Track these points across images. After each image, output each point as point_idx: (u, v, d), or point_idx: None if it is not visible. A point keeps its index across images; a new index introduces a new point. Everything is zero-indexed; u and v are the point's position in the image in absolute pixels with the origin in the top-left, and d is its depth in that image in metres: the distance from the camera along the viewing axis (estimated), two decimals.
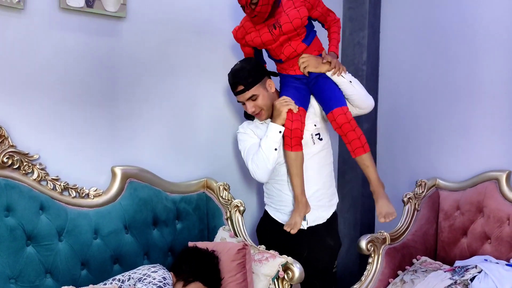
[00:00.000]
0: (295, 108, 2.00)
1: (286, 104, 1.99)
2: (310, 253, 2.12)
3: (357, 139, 2.01)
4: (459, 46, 2.50)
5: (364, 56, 2.79)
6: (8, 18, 1.81)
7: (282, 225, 2.11)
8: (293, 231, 2.03)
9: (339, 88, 2.06)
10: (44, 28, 1.88)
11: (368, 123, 2.83)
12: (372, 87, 2.84)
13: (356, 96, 2.06)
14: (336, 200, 2.23)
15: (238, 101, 2.07)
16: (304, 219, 2.09)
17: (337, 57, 2.09)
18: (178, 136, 2.28)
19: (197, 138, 2.33)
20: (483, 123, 2.42)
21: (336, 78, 2.04)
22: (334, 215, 2.20)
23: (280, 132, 2.00)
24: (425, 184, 2.50)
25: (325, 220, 2.14)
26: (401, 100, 2.77)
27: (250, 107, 2.01)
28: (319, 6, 2.03)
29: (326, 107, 2.05)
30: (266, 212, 2.22)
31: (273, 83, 2.07)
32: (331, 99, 2.03)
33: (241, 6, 1.94)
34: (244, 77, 1.97)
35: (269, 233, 2.19)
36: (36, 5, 1.86)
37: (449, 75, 2.55)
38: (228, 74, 2.05)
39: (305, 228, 2.10)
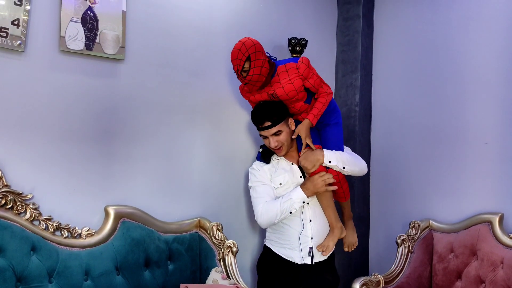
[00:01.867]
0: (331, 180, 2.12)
1: (325, 183, 2.10)
2: None
3: (341, 193, 2.23)
4: (450, 89, 2.56)
5: (357, 97, 2.85)
6: (9, 60, 1.85)
7: (285, 260, 2.14)
8: (325, 254, 2.17)
9: (340, 144, 2.20)
10: (44, 70, 1.92)
11: None
12: (364, 128, 2.89)
13: (351, 174, 2.22)
14: None
15: (261, 136, 2.17)
16: (309, 254, 2.13)
17: (312, 125, 2.16)
18: (171, 175, 2.29)
19: (191, 178, 2.34)
20: (475, 165, 2.45)
21: (329, 165, 2.13)
22: (332, 252, 2.24)
23: (304, 202, 2.11)
24: (418, 225, 2.50)
25: (326, 257, 2.19)
26: (394, 141, 2.81)
27: (274, 142, 2.12)
28: (312, 78, 2.11)
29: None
30: (267, 248, 2.23)
31: (293, 122, 2.19)
32: None
33: (235, 72, 2.06)
34: (272, 114, 2.11)
35: (271, 269, 2.19)
36: (37, 48, 1.90)
37: (440, 117, 2.60)
38: (255, 110, 2.16)
39: (312, 263, 2.14)
